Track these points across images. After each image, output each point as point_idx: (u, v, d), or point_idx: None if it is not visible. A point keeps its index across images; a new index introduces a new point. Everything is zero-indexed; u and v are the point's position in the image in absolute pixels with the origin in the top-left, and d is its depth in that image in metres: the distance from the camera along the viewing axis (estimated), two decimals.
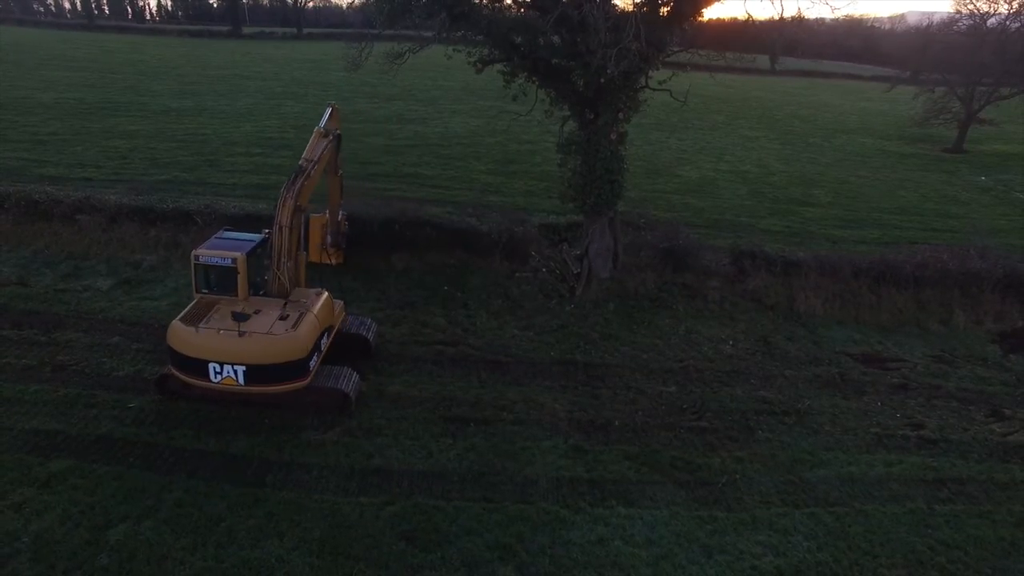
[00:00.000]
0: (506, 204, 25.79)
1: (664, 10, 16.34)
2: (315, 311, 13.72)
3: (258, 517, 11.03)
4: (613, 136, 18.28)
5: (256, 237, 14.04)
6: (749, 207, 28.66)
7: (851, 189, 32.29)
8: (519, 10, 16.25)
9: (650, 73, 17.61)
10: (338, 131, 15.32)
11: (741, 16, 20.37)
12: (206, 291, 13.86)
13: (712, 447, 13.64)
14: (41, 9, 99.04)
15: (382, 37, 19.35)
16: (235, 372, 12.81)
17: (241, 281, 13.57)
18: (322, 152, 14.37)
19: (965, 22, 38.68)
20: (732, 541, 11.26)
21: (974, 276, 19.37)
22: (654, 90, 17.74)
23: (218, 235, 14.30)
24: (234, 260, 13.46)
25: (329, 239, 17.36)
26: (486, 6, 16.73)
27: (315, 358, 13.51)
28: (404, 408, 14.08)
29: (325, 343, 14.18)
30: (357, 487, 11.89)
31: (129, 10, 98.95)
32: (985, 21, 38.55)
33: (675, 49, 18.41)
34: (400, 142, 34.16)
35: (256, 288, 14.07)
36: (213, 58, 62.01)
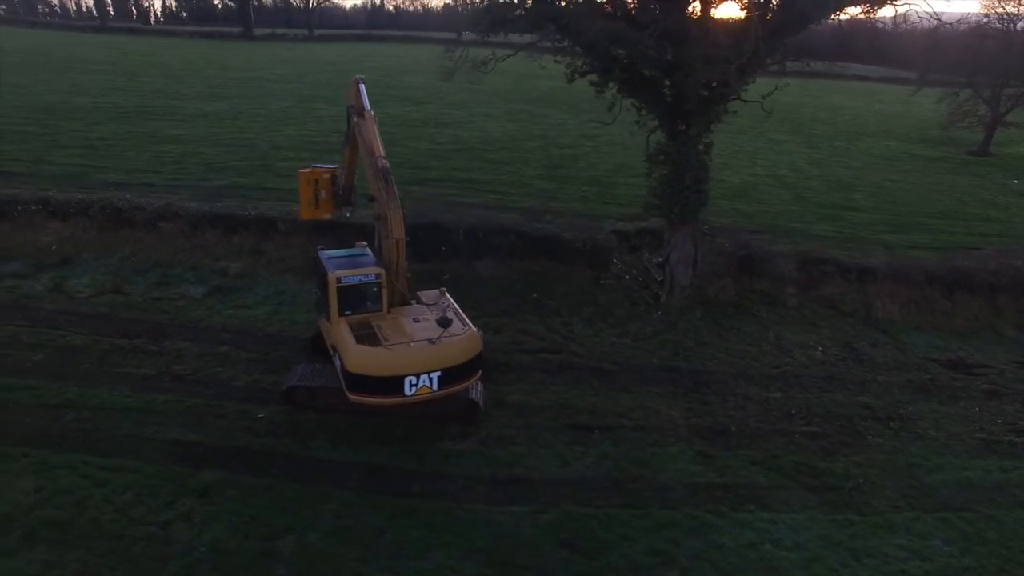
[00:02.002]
0: (564, 210, 26.09)
1: (784, 18, 16.15)
2: (456, 307, 14.22)
3: (419, 527, 11.25)
4: (701, 146, 18.66)
5: (359, 251, 14.33)
6: (797, 212, 29.09)
7: (888, 193, 32.84)
8: (619, 23, 16.45)
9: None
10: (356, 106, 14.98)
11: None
12: (349, 312, 13.63)
13: (828, 452, 14.02)
14: (46, 10, 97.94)
15: (463, 43, 19.53)
16: (430, 380, 12.87)
17: (385, 294, 13.74)
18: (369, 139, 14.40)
19: (995, 25, 39.30)
20: (875, 545, 11.63)
21: None
22: (745, 101, 18.09)
23: (326, 257, 14.30)
24: (378, 276, 13.62)
25: (325, 192, 16.08)
26: (587, 18, 16.93)
27: None
28: (526, 417, 14.34)
29: None
30: (504, 496, 12.14)
31: (134, 11, 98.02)
32: (1015, 24, 39.27)
33: (784, 59, 18.73)
34: (443, 146, 34.29)
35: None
36: (231, 60, 61.67)
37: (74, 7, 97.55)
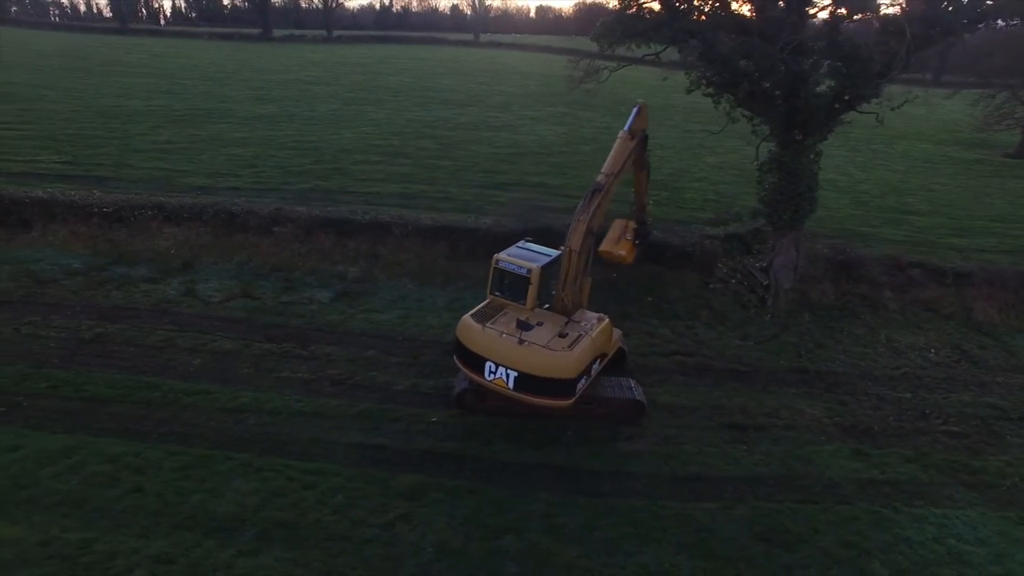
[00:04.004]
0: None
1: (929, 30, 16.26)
2: (593, 335, 14.23)
3: (624, 525, 11.71)
4: (813, 155, 19.25)
5: (554, 253, 14.64)
6: (860, 217, 29.78)
7: (940, 197, 33.66)
8: (753, 38, 16.91)
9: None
10: (644, 132, 14.97)
11: None
12: (498, 293, 14.60)
13: (974, 451, 14.62)
14: (56, 11, 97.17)
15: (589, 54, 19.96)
16: (507, 376, 13.40)
17: (532, 292, 14.15)
18: (625, 160, 14.53)
19: None
20: None
21: None
22: (860, 112, 18.66)
23: (520, 244, 14.94)
24: (529, 271, 14.07)
25: (630, 236, 16.13)
26: (721, 32, 17.39)
27: (583, 380, 13.88)
28: (682, 417, 14.85)
29: (596, 368, 14.64)
30: (690, 493, 12.63)
31: (144, 12, 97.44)
32: None
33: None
34: (504, 150, 34.68)
35: (542, 301, 14.69)
36: (259, 62, 61.73)
37: (84, 8, 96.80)
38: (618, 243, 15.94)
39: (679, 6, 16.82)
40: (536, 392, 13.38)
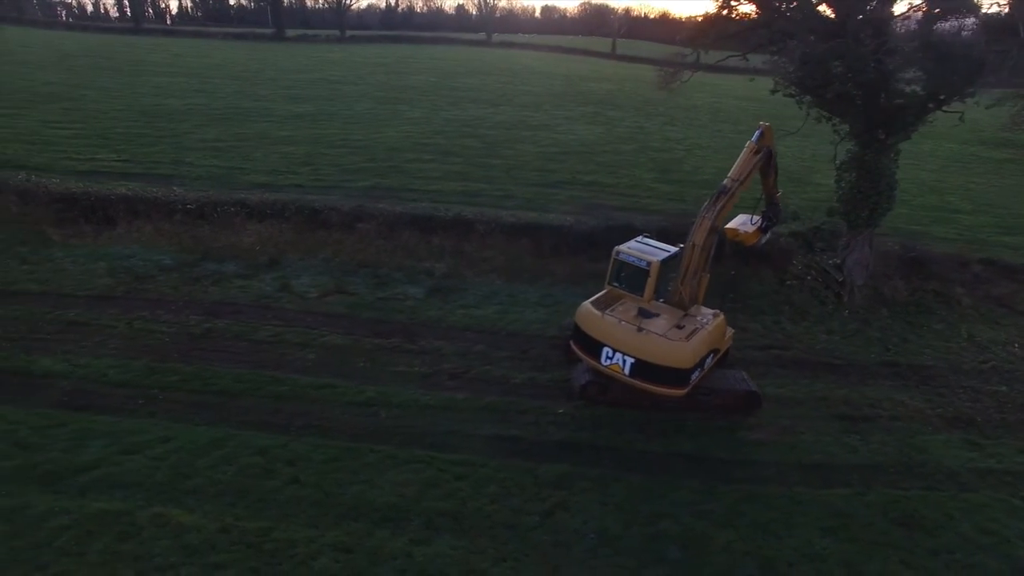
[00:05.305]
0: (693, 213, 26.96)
1: None
2: (709, 329, 14.69)
3: (767, 510, 12.05)
4: (893, 154, 19.68)
5: (672, 249, 14.99)
6: (907, 215, 30.26)
7: (980, 196, 34.28)
8: (845, 40, 17.26)
9: None
10: (769, 147, 15.43)
11: None
12: (616, 284, 15.02)
13: None
14: (63, 11, 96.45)
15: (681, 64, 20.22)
16: (624, 362, 13.91)
17: (650, 284, 14.52)
18: (751, 169, 15.01)
19: None
20: None
21: None
22: (945, 111, 19.10)
23: (638, 239, 15.30)
24: (649, 264, 14.44)
25: (756, 222, 16.55)
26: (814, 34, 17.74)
27: (697, 372, 14.36)
28: (791, 408, 15.23)
29: (709, 362, 15.08)
30: (819, 480, 13.00)
31: (151, 11, 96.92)
32: None
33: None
34: (549, 149, 34.93)
35: (658, 295, 15.02)
36: (281, 62, 61.63)
37: (91, 8, 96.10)
38: (743, 226, 16.46)
39: (779, 6, 17.18)
40: (651, 379, 13.85)
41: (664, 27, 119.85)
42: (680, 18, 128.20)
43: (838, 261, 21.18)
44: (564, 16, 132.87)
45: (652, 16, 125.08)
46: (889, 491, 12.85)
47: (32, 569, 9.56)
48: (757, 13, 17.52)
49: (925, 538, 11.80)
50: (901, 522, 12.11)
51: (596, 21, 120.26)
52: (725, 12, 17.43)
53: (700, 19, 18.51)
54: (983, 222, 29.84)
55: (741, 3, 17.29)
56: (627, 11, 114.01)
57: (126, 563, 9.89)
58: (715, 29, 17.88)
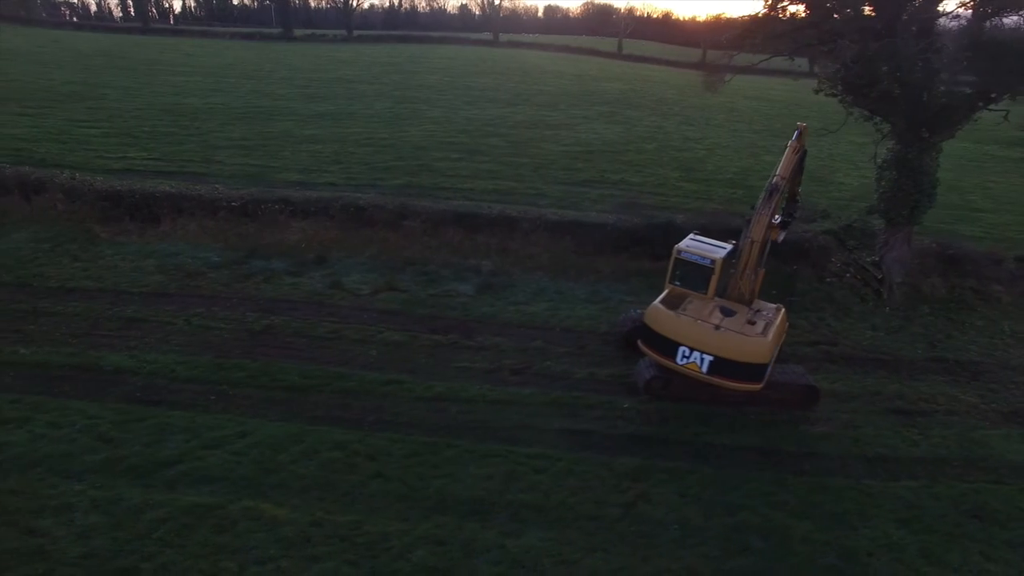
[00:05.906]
0: (720, 212, 27.17)
1: None
2: (777, 322, 14.95)
3: (839, 501, 12.23)
4: (935, 153, 19.91)
5: (727, 246, 15.17)
6: (931, 214, 30.13)
7: (1000, 195, 34.64)
8: (893, 40, 17.44)
9: None
10: (804, 148, 15.69)
11: None
12: (678, 283, 15.14)
13: None
14: (68, 11, 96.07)
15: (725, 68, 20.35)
16: (701, 360, 14.04)
17: (714, 281, 14.72)
18: (793, 166, 15.23)
19: None
20: None
21: None
22: (990, 109, 19.32)
23: (692, 236, 15.47)
24: (713, 261, 14.63)
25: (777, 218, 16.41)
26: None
27: (769, 367, 14.56)
28: (848, 402, 15.43)
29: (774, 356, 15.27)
30: (885, 472, 13.21)
31: (155, 11, 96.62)
32: None
33: None
34: (573, 148, 35.05)
35: (718, 292, 15.19)
36: (293, 61, 61.51)
37: (95, 7, 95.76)
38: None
39: (829, 6, 17.37)
40: (730, 376, 14.01)
41: (667, 27, 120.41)
42: (681, 19, 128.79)
43: (876, 258, 21.40)
44: (567, 16, 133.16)
45: (655, 16, 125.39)
46: (957, 484, 13.05)
47: (139, 559, 9.64)
48: (806, 12, 17.72)
49: (1000, 531, 11.99)
50: (973, 514, 12.30)
51: (599, 21, 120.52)
52: (774, 13, 17.62)
53: (747, 19, 18.67)
54: (1008, 220, 30.13)
55: (791, 3, 17.51)
56: (631, 11, 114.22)
57: (226, 555, 9.98)
58: (764, 30, 18.04)
